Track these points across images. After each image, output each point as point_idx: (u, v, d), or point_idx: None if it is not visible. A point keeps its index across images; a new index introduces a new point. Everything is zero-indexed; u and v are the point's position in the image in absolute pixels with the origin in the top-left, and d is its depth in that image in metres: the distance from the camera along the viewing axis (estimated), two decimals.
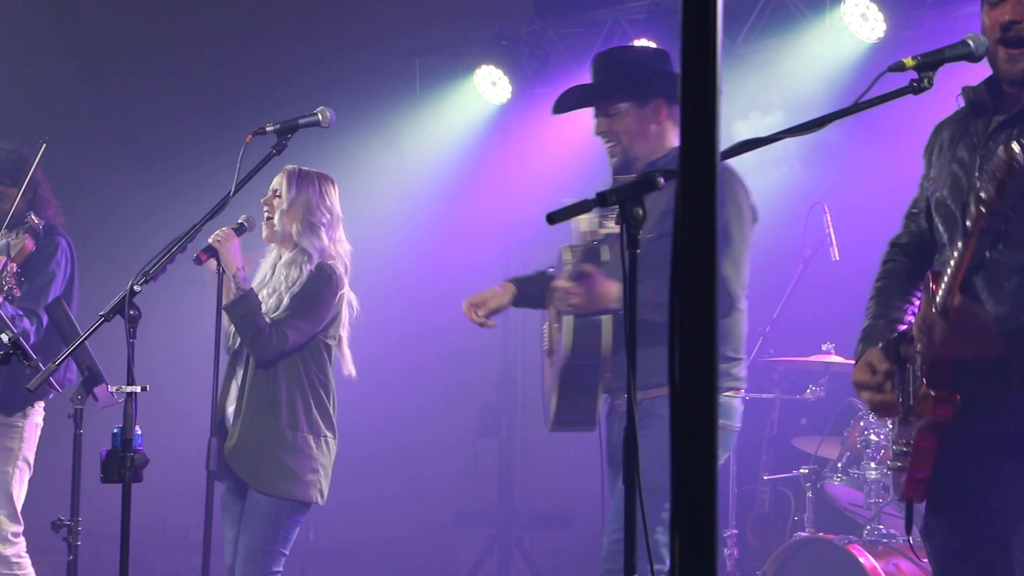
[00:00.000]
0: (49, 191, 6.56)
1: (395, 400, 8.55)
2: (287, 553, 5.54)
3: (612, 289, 4.74)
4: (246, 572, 5.48)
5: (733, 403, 4.90)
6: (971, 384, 3.40)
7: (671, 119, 5.02)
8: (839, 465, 6.71)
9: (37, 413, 6.36)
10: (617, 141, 5.00)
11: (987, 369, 3.39)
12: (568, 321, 4.84)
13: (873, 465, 6.49)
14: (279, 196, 5.62)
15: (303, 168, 5.67)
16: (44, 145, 6.07)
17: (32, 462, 6.31)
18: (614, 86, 5.01)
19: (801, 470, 6.99)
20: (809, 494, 6.89)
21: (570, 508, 8.74)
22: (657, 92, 5.00)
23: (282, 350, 5.47)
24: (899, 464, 3.58)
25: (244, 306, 5.44)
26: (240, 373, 5.60)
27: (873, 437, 6.55)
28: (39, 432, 6.42)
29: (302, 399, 5.53)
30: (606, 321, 4.80)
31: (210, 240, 5.46)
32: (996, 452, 3.47)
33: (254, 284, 5.64)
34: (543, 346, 5.27)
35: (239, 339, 5.58)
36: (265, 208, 5.63)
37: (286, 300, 5.52)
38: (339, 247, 5.69)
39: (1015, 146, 2.94)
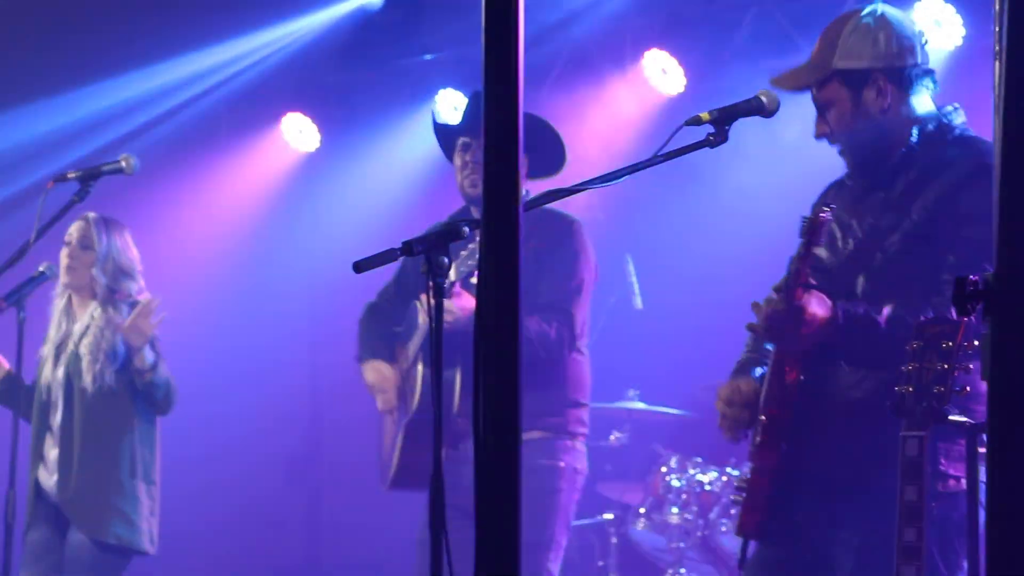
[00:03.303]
0: None
1: (199, 460, 8.40)
2: None
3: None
4: None
5: (583, 448, 5.12)
6: (811, 430, 3.49)
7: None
8: (642, 510, 6.79)
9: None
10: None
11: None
12: (419, 374, 4.89)
13: (675, 510, 6.58)
14: (89, 247, 5.51)
15: (105, 216, 5.59)
16: None
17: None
18: None
19: (605, 516, 7.07)
20: (614, 539, 6.96)
21: (379, 556, 8.69)
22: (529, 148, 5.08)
23: None
24: (737, 498, 3.66)
25: (164, 380, 5.55)
26: (59, 422, 5.49)
27: (675, 483, 6.64)
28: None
29: (139, 447, 5.49)
30: (458, 378, 4.84)
31: (127, 324, 5.38)
32: (829, 495, 3.55)
33: (51, 331, 5.56)
34: (378, 405, 5.26)
35: (53, 391, 5.49)
36: (69, 257, 5.52)
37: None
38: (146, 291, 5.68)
39: None
